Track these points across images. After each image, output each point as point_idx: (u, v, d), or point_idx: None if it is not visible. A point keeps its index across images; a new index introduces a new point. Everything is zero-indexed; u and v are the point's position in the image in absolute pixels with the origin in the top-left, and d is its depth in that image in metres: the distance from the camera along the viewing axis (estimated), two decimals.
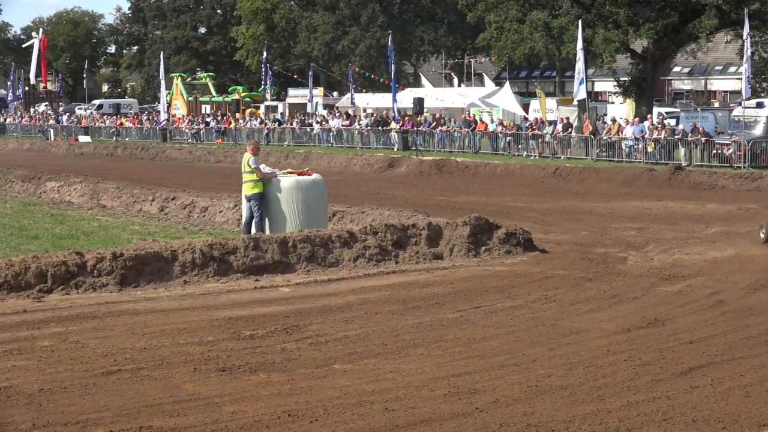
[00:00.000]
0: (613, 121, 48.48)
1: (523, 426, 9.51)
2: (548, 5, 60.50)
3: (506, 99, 61.27)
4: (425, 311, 14.66)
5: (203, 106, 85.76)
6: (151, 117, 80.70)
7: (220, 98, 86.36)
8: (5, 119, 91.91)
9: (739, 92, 56.35)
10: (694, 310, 14.91)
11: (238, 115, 74.64)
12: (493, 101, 61.83)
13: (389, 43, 62.38)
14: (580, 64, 47.88)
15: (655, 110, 56.65)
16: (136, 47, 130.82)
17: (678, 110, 60.01)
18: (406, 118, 58.31)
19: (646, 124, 45.79)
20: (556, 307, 15.09)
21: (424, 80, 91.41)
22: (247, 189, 21.02)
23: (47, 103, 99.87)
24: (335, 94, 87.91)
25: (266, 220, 20.84)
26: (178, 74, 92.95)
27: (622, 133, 45.72)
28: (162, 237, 21.59)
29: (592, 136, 46.32)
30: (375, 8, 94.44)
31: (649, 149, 43.81)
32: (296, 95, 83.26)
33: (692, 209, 29.05)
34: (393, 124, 57.44)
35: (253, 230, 20.59)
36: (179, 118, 78.50)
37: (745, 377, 11.17)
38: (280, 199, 20.74)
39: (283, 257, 17.94)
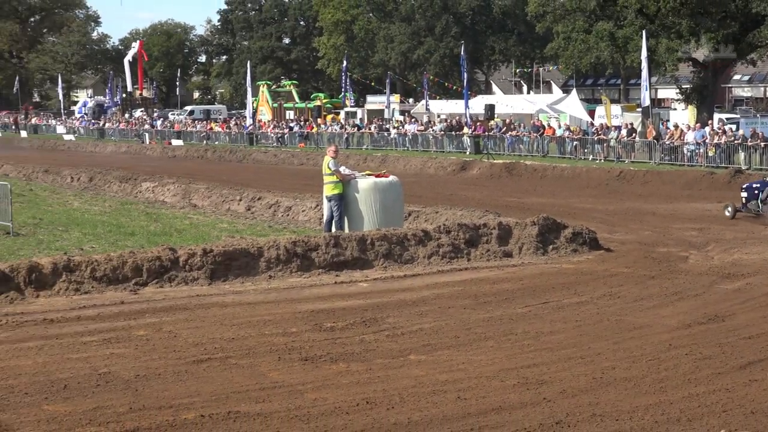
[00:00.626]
0: (676, 126, 47.98)
1: (588, 415, 9.45)
2: (613, 16, 59.99)
3: (573, 105, 60.77)
4: (495, 306, 14.62)
5: (287, 111, 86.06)
6: (238, 122, 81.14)
7: (303, 104, 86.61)
8: (104, 124, 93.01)
9: None
10: (753, 307, 14.73)
11: (319, 120, 74.76)
12: (560, 107, 61.37)
13: (462, 53, 62.14)
14: (644, 73, 47.49)
15: (716, 116, 56.04)
16: (225, 57, 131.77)
17: (738, 116, 59.28)
18: (478, 124, 58.11)
19: (707, 129, 45.27)
20: (620, 303, 14.97)
21: (494, 88, 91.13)
22: (328, 190, 21.07)
23: (143, 108, 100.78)
24: (411, 100, 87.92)
25: (345, 219, 20.88)
26: (264, 82, 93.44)
27: (684, 138, 45.25)
28: (249, 235, 21.73)
29: (655, 140, 45.87)
30: (449, 20, 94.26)
31: (710, 153, 43.27)
32: (374, 102, 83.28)
33: None
34: (465, 129, 57.27)
35: (334, 229, 20.63)
36: (265, 123, 78.87)
37: None
38: (359, 199, 20.75)
39: (361, 254, 17.97)
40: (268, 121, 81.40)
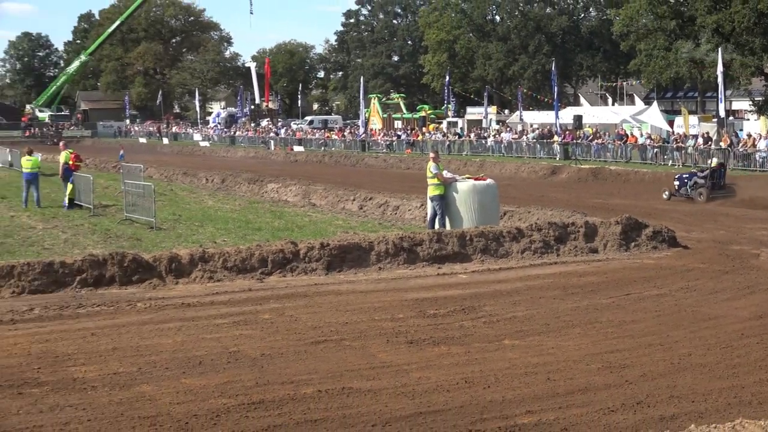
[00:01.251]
0: (749, 135, 47.00)
1: (666, 397, 9.32)
2: (692, 35, 59.07)
3: (654, 116, 59.88)
4: (582, 297, 14.47)
5: (395, 121, 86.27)
6: (352, 131, 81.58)
7: (409, 115, 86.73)
8: (235, 132, 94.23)
9: None
10: None
11: (424, 129, 74.84)
12: (642, 118, 60.49)
13: (553, 69, 61.84)
14: (720, 86, 46.65)
15: None
16: (341, 73, 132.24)
17: None
18: (567, 132, 57.63)
19: None
20: (696, 295, 14.70)
21: (582, 100, 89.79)
22: (431, 191, 21.08)
23: (269, 119, 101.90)
24: (506, 111, 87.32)
25: (447, 217, 20.88)
26: (375, 95, 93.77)
27: (756, 146, 44.30)
28: (361, 231, 21.81)
29: (729, 148, 44.99)
30: (541, 39, 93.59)
31: None
32: (473, 112, 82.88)
33: None
34: (555, 137, 56.87)
35: (437, 226, 20.64)
36: (375, 132, 79.22)
37: None
38: (459, 200, 20.73)
39: (461, 249, 17.93)
40: (379, 129, 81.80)
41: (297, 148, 75.49)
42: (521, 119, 69.65)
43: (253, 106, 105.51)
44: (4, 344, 11.30)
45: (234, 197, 33.27)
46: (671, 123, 59.51)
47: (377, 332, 12.02)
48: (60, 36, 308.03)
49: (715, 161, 35.91)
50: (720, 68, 46.62)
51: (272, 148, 79.42)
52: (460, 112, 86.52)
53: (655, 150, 50.04)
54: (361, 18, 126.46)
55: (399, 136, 72.00)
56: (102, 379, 9.86)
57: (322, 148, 74.54)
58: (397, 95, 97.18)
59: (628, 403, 9.12)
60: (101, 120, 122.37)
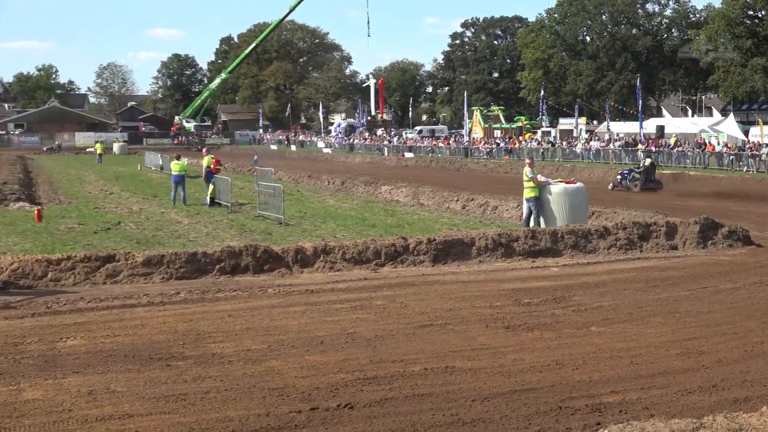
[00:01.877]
0: None
1: (740, 381, 9.08)
2: (766, 53, 57.32)
3: (730, 126, 58.38)
4: (662, 289, 14.19)
5: (495, 131, 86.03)
6: (456, 139, 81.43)
7: (507, 125, 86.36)
8: (353, 140, 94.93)
9: None
10: None
11: (521, 137, 74.27)
12: (719, 128, 59.03)
13: (638, 84, 60.92)
14: None
15: None
16: (447, 88, 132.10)
17: None
18: (650, 141, 56.62)
19: None
20: None
21: (664, 112, 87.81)
22: (527, 193, 20.97)
23: (383, 128, 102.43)
24: (595, 122, 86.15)
25: (541, 217, 20.74)
26: (477, 108, 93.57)
27: None
28: (463, 228, 21.81)
29: None
30: (627, 57, 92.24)
31: None
32: (565, 123, 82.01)
33: None
34: (639, 146, 55.89)
35: (531, 224, 20.51)
36: (477, 140, 78.89)
37: None
38: (552, 201, 20.59)
39: (553, 245, 17.78)
40: (480, 138, 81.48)
41: (407, 155, 75.63)
42: (608, 129, 68.64)
43: (369, 118, 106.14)
44: (155, 322, 11.62)
45: (352, 197, 33.48)
46: (746, 133, 58.00)
47: (477, 318, 11.98)
48: (204, 56, 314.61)
49: (648, 161, 39.41)
50: None
51: (386, 154, 79.70)
52: (553, 123, 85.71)
53: (731, 157, 48.81)
54: (466, 39, 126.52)
55: (498, 144, 71.63)
56: (237, 354, 10.05)
57: (430, 155, 74.50)
58: (497, 108, 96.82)
59: (704, 386, 8.92)
60: (238, 129, 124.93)
